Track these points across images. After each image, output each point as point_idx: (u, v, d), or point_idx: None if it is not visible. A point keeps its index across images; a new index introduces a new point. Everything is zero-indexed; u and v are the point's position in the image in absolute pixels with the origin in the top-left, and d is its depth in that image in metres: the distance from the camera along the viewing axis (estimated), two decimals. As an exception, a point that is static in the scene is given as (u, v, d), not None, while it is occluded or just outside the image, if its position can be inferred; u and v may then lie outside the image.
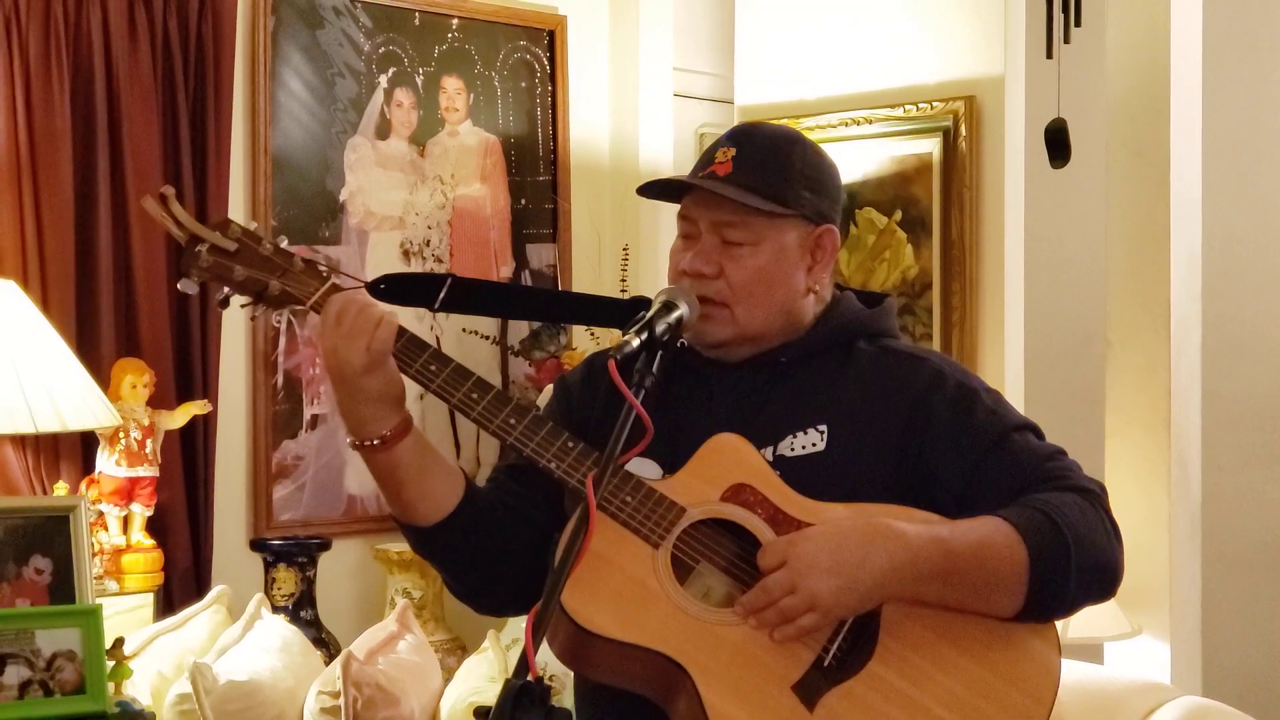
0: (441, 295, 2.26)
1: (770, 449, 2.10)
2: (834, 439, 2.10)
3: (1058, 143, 4.25)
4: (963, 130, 4.78)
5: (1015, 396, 4.59)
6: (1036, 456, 2.11)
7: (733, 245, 2.12)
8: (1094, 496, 2.08)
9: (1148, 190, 5.14)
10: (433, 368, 2.06)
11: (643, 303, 2.16)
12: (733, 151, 2.13)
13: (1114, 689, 3.32)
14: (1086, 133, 4.49)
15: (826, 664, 2.00)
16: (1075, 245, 4.71)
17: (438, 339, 4.80)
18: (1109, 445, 4.86)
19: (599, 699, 2.10)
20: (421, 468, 2.10)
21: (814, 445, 2.10)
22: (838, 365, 2.16)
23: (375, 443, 2.05)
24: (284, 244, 2.11)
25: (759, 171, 2.11)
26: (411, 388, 2.08)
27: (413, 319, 4.72)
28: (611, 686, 2.04)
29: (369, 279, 2.18)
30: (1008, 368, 4.68)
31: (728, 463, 2.07)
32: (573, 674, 2.17)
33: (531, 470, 2.11)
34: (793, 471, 2.07)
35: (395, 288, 2.20)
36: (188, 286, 2.10)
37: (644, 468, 2.08)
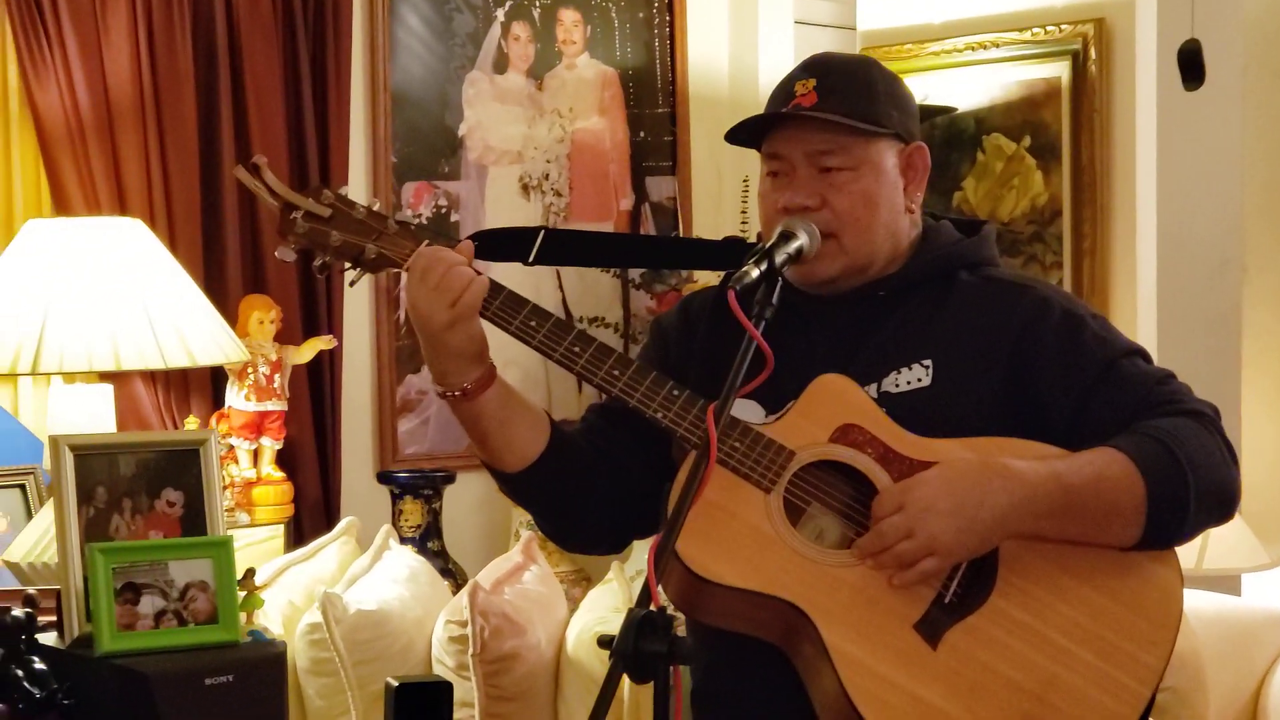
0: (535, 249, 2.24)
1: (874, 385, 2.07)
2: (939, 373, 2.06)
3: (1191, 64, 4.13)
4: (1092, 53, 4.67)
5: (1148, 325, 4.49)
6: (1147, 381, 2.06)
7: (832, 172, 2.08)
8: (1207, 419, 2.04)
9: (1286, 111, 4.98)
10: (532, 323, 2.05)
11: (736, 244, 2.13)
12: (812, 82, 2.08)
13: (1251, 620, 3.26)
14: (1221, 53, 4.35)
15: (947, 601, 1.98)
16: (1210, 169, 4.58)
17: (559, 274, 4.79)
18: (1245, 374, 4.74)
19: (716, 643, 2.07)
20: (504, 419, 2.10)
21: (919, 380, 2.06)
22: (939, 297, 2.11)
23: (456, 394, 2.06)
24: (377, 206, 2.10)
25: (846, 96, 2.08)
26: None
27: (534, 253, 4.71)
28: (728, 631, 2.03)
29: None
30: (1140, 296, 4.58)
31: (834, 403, 2.04)
32: (686, 619, 2.16)
33: (624, 411, 2.10)
34: (898, 408, 2.04)
35: (488, 244, 2.19)
36: (285, 254, 2.10)
37: (746, 409, 2.05)
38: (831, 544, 2.01)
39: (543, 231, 2.30)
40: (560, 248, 2.32)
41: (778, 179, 2.12)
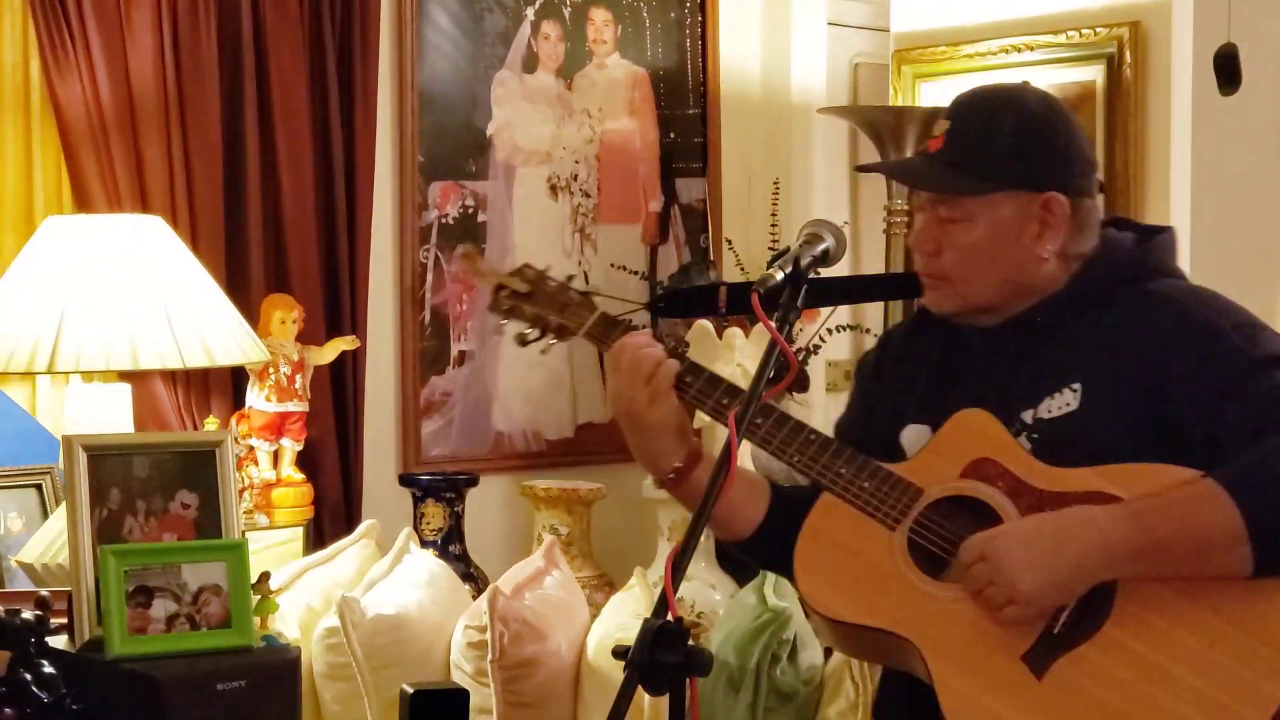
0: (722, 302, 2.45)
1: (1031, 411, 2.10)
2: (1087, 396, 2.08)
3: (1228, 69, 4.08)
4: (1127, 57, 4.62)
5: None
6: (1275, 398, 2.01)
7: (948, 222, 2.11)
8: None
9: (1325, 117, 4.90)
10: (686, 378, 2.15)
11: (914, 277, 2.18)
12: (946, 124, 2.13)
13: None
14: (1260, 58, 4.30)
15: (1056, 631, 2.00)
16: (1245, 175, 4.52)
17: (585, 274, 4.76)
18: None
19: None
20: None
21: (1068, 405, 2.09)
22: (1096, 318, 2.12)
23: (671, 476, 2.15)
24: (550, 270, 2.25)
25: (966, 147, 2.11)
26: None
27: (560, 255, 4.69)
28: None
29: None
30: (1173, 303, 4.52)
31: (970, 438, 2.08)
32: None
33: None
34: (1052, 433, 2.07)
35: (673, 303, 2.31)
36: (508, 329, 2.29)
37: (917, 433, 2.14)
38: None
39: (722, 286, 2.53)
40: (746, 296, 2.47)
41: (919, 214, 2.19)
